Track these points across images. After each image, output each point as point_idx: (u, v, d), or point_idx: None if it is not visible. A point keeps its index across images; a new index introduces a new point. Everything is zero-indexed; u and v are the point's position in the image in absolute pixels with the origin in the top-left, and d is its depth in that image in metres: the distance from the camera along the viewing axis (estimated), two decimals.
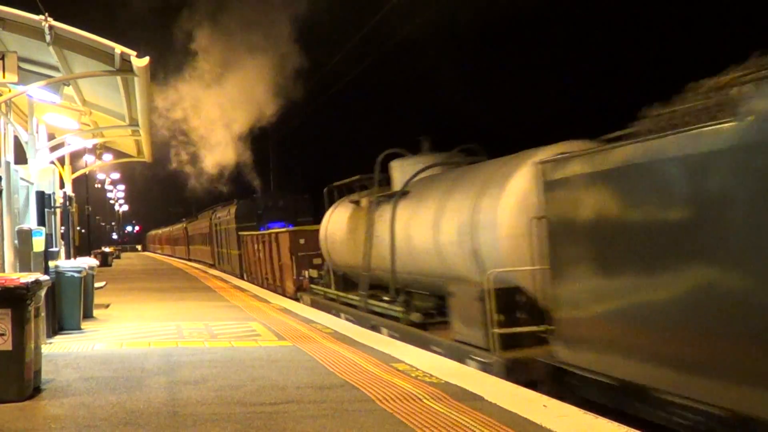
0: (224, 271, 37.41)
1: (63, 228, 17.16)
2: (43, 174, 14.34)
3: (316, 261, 21.92)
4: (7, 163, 11.71)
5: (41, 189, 13.83)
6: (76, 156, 24.98)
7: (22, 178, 12.79)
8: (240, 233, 32.60)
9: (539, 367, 9.13)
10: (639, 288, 7.25)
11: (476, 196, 11.54)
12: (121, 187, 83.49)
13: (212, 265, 43.22)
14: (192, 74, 35.33)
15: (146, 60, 10.66)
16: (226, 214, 37.15)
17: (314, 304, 19.50)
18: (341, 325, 14.25)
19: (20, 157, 14.00)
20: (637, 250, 7.26)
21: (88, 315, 15.55)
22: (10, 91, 12.04)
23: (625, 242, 7.45)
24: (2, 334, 7.89)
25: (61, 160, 21.31)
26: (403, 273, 14.44)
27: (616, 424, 6.53)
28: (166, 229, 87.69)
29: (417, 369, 9.23)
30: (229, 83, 35.64)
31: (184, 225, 64.87)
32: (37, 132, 14.55)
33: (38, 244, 12.03)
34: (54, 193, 15.08)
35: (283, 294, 23.57)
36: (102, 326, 14.56)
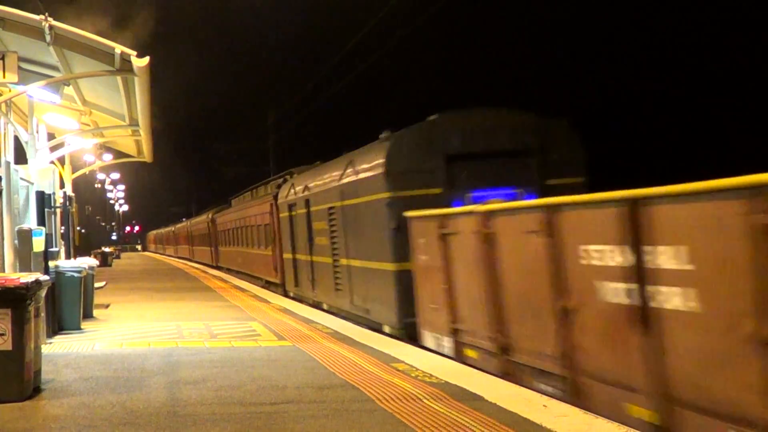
0: (330, 310, 17.24)
1: (63, 228, 17.17)
2: (43, 174, 14.34)
3: None
4: (7, 163, 11.71)
5: (41, 189, 13.84)
6: (76, 156, 24.98)
7: (22, 178, 12.79)
8: (408, 215, 12.47)
9: None
10: None
11: None
12: (121, 187, 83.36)
13: (276, 287, 24.50)
14: None
15: (146, 60, 10.67)
16: (341, 173, 16.04)
17: None
18: (341, 325, 14.23)
19: (20, 157, 14.01)
20: None
21: (88, 315, 15.54)
22: (10, 91, 12.05)
23: None
24: (2, 334, 7.89)
25: (61, 160, 21.32)
26: None
27: (616, 424, 6.54)
28: (181, 225, 69.63)
29: (417, 369, 9.23)
30: None
31: (209, 216, 45.14)
32: (37, 132, 14.55)
33: (38, 244, 12.04)
34: (54, 193, 15.08)
35: None
36: (102, 326, 14.56)
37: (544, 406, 7.22)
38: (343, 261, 16.11)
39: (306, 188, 19.57)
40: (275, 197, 24.17)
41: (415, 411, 7.14)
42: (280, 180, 25.18)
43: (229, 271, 36.44)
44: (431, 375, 8.83)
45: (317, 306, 18.19)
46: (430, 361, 9.85)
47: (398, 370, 9.19)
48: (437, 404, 7.39)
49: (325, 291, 18.00)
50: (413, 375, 8.88)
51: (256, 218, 28.13)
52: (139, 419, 7.06)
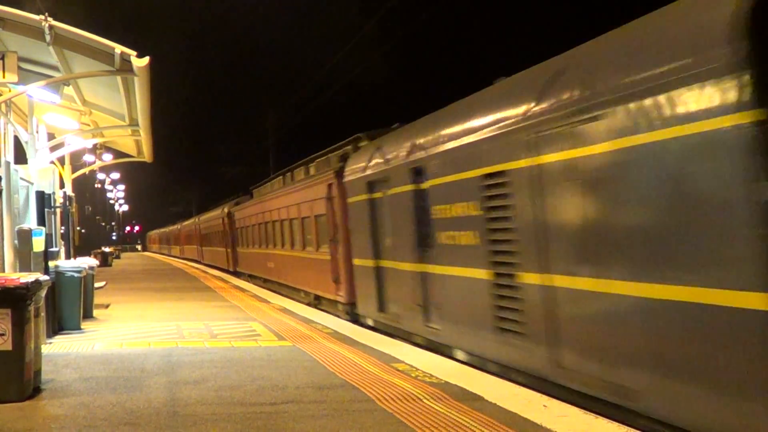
0: (481, 366, 9.71)
1: (63, 228, 17.17)
2: (43, 174, 14.34)
3: None
4: (7, 163, 11.71)
5: (41, 189, 13.83)
6: (76, 156, 24.98)
7: (22, 178, 12.79)
8: None
9: None
10: None
11: None
12: (121, 187, 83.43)
13: (335, 306, 17.22)
14: None
15: (146, 60, 10.68)
16: (531, 104, 8.15)
17: None
18: (341, 325, 14.24)
19: (20, 157, 14.01)
20: None
21: (88, 315, 15.54)
22: (10, 91, 12.05)
23: None
24: (2, 334, 7.89)
25: (61, 160, 21.31)
26: None
27: (616, 424, 6.53)
28: (189, 222, 61.31)
29: (417, 369, 9.23)
30: None
31: (225, 210, 36.96)
32: (37, 132, 14.56)
33: (38, 244, 12.04)
34: (54, 193, 15.08)
35: None
36: (102, 326, 14.56)
37: (544, 406, 7.22)
38: (530, 277, 8.41)
39: (414, 148, 11.82)
40: (338, 174, 16.45)
41: (415, 411, 7.14)
42: (347, 148, 17.20)
43: (252, 278, 28.79)
44: (431, 375, 8.83)
45: (438, 349, 10.98)
46: (430, 361, 9.84)
47: (398, 370, 9.19)
48: (437, 404, 7.39)
49: (463, 326, 10.37)
50: (413, 375, 8.88)
51: (301, 208, 20.34)
52: (139, 419, 7.06)
